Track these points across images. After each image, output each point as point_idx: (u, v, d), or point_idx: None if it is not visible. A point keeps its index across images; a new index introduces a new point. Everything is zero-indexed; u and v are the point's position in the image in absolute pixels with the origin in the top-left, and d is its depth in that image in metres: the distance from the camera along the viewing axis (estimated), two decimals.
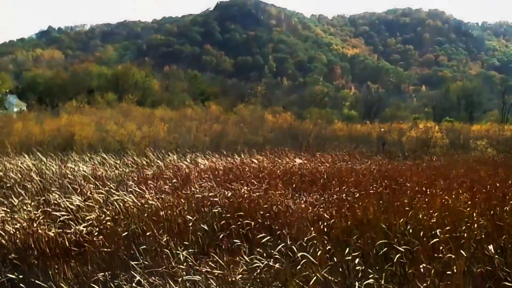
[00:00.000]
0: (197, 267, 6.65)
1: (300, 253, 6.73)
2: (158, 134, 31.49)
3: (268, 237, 7.58)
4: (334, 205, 9.52)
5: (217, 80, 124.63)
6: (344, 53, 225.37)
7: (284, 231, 7.81)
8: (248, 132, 35.76)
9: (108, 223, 8.44)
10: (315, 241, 7.03)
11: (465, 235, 7.09)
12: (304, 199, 10.76)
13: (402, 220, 7.88)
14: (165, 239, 7.62)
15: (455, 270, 5.98)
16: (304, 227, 7.92)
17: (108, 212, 9.16)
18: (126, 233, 8.09)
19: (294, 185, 12.75)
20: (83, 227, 8.20)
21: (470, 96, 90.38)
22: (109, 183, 12.34)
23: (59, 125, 30.33)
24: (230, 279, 6.17)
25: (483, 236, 7.08)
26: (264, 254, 6.77)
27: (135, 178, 13.48)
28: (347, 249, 6.62)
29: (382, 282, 5.89)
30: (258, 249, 7.08)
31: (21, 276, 6.71)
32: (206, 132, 34.16)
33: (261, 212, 9.01)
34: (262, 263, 6.38)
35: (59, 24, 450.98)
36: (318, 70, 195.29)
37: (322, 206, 9.73)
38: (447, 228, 7.41)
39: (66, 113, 36.44)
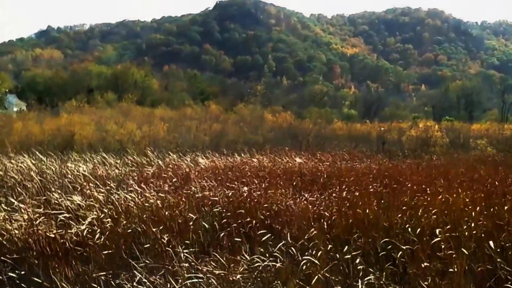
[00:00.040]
0: (198, 266, 6.65)
1: (301, 252, 6.75)
2: (158, 133, 31.48)
3: (269, 236, 7.60)
4: (334, 204, 9.52)
5: (217, 79, 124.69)
6: (343, 52, 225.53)
7: (284, 230, 7.82)
8: (248, 132, 35.76)
9: (109, 222, 8.45)
10: (316, 240, 7.04)
11: (466, 233, 7.10)
12: (304, 198, 10.76)
13: (402, 218, 7.89)
14: (165, 238, 7.63)
15: (455, 269, 5.99)
16: (304, 226, 7.92)
17: (108, 212, 9.16)
18: (127, 232, 8.10)
19: (294, 184, 12.75)
20: (84, 226, 8.20)
21: (470, 95, 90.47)
22: (109, 183, 12.35)
23: (59, 125, 30.32)
24: (231, 278, 6.18)
25: (483, 235, 7.09)
26: (266, 254, 6.77)
27: (136, 178, 13.49)
28: (348, 248, 6.63)
29: (383, 281, 5.90)
30: (259, 248, 7.09)
31: (22, 274, 6.72)
32: (206, 131, 34.15)
33: (262, 211, 9.02)
34: (263, 262, 6.39)
35: (58, 23, 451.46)
36: (318, 70, 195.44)
37: (322, 205, 9.73)
38: (448, 227, 7.42)
39: (66, 113, 36.42)
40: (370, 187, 11.90)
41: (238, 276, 6.24)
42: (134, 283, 6.17)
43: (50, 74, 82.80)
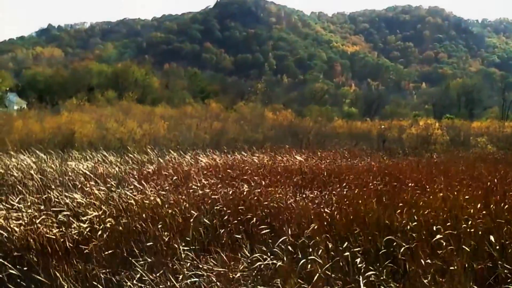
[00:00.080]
0: (198, 264, 6.66)
1: (301, 250, 6.76)
2: (158, 132, 31.50)
3: (269, 234, 7.61)
4: (334, 202, 9.52)
5: (217, 77, 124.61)
6: (344, 50, 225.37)
7: (284, 228, 7.82)
8: (248, 130, 35.78)
9: (109, 220, 8.45)
10: (316, 238, 7.04)
11: (468, 230, 7.10)
12: (304, 196, 10.76)
13: (402, 216, 7.89)
14: (166, 236, 7.64)
15: (455, 267, 6.00)
16: (304, 224, 7.92)
17: (109, 210, 9.17)
18: (127, 230, 8.11)
19: (294, 182, 12.75)
20: (85, 224, 8.21)
21: (470, 93, 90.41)
22: (110, 180, 12.36)
23: (60, 123, 30.35)
24: (231, 276, 6.18)
25: (480, 233, 7.09)
26: (266, 251, 6.78)
27: (136, 176, 13.49)
28: (348, 246, 6.63)
29: (383, 279, 5.90)
30: (259, 246, 7.09)
31: (23, 272, 6.73)
32: (206, 129, 34.17)
33: (262, 209, 9.02)
34: (263, 260, 6.40)
35: (59, 22, 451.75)
36: (318, 68, 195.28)
37: (322, 203, 9.73)
38: (448, 224, 7.42)
39: (67, 111, 36.44)
40: (371, 185, 11.90)
41: (238, 274, 6.25)
42: (135, 281, 6.18)
43: (50, 72, 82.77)
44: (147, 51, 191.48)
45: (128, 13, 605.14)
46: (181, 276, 6.19)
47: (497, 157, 23.73)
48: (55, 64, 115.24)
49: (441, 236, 6.82)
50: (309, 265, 6.14)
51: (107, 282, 6.50)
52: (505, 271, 6.02)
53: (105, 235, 7.85)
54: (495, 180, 12.52)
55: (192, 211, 8.71)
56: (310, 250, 6.70)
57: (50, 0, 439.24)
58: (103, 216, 8.72)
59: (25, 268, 6.89)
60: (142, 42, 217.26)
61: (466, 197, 9.20)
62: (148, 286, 6.07)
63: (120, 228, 8.20)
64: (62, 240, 7.70)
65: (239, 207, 9.06)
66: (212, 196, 9.93)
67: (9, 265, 6.85)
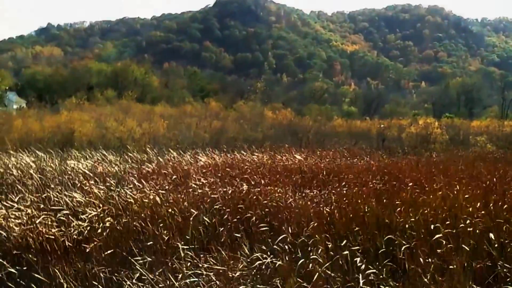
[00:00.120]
0: (197, 263, 6.66)
1: (301, 249, 6.76)
2: (158, 130, 31.49)
3: (269, 233, 7.61)
4: (334, 201, 9.52)
5: (217, 76, 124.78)
6: (343, 49, 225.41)
7: (284, 227, 7.83)
8: (248, 129, 35.79)
9: (109, 219, 8.45)
10: (316, 236, 7.04)
11: (467, 229, 7.10)
12: (304, 195, 10.77)
13: (401, 215, 7.89)
14: (165, 235, 7.64)
15: (455, 266, 6.00)
16: (304, 223, 7.93)
17: (108, 209, 9.16)
18: (126, 229, 8.10)
19: (294, 181, 12.75)
20: (84, 223, 8.20)
21: (470, 92, 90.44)
22: (109, 180, 12.35)
23: (59, 122, 30.35)
24: (230, 275, 6.18)
25: (482, 232, 7.09)
26: (265, 250, 6.78)
27: (135, 175, 13.48)
28: (348, 245, 6.64)
29: (383, 277, 5.90)
30: (258, 245, 7.09)
31: (22, 271, 6.73)
32: (206, 128, 34.16)
33: (261, 208, 9.02)
34: (263, 259, 6.40)
35: (58, 21, 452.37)
36: (318, 67, 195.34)
37: (322, 202, 9.74)
38: (447, 223, 7.43)
39: (66, 110, 36.45)
40: (370, 184, 11.90)
41: (238, 273, 6.25)
42: (134, 280, 6.18)
43: (50, 71, 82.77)
44: (146, 50, 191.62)
45: (128, 12, 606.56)
46: (180, 275, 6.18)
47: (496, 156, 23.72)
48: (55, 63, 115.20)
49: (440, 235, 6.82)
50: (310, 264, 6.14)
51: (107, 281, 6.50)
52: (504, 270, 6.03)
53: (104, 233, 7.86)
54: (495, 179, 12.52)
55: (191, 210, 8.70)
56: (310, 249, 6.70)
57: None
58: (102, 215, 8.72)
59: (24, 267, 6.88)
60: (141, 41, 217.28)
61: (466, 196, 9.20)
62: (147, 285, 6.07)
63: (120, 227, 8.20)
64: (61, 239, 7.70)
65: (239, 206, 9.06)
66: (212, 195, 9.93)
67: (9, 264, 6.85)
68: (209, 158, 18.57)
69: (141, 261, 6.63)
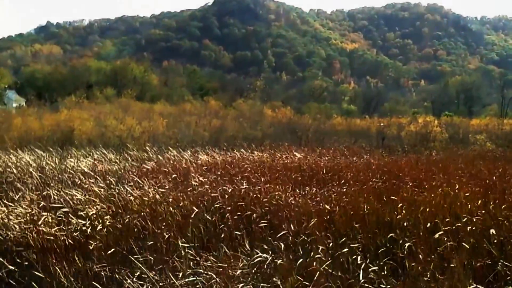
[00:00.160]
0: (198, 262, 6.66)
1: (301, 247, 6.76)
2: (158, 129, 31.51)
3: (269, 231, 7.61)
4: (333, 199, 9.52)
5: (216, 75, 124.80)
6: (343, 47, 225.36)
7: (284, 225, 7.83)
8: (247, 127, 35.81)
9: (109, 218, 8.45)
10: (316, 232, 7.05)
11: (468, 227, 7.11)
12: (304, 193, 10.77)
13: (401, 213, 7.90)
14: (165, 233, 7.63)
15: (455, 264, 6.01)
16: (304, 221, 7.93)
17: (108, 207, 9.17)
18: (126, 227, 8.10)
19: (294, 180, 12.75)
20: (84, 222, 8.20)
21: (469, 91, 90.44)
22: (109, 178, 12.34)
23: (58, 120, 30.37)
24: (231, 273, 6.18)
25: (479, 230, 7.10)
26: (266, 248, 6.78)
27: (135, 173, 13.48)
28: (348, 243, 6.64)
29: (383, 275, 5.91)
30: (258, 244, 7.09)
31: (22, 269, 6.73)
32: (205, 127, 34.18)
33: (261, 206, 9.02)
34: (263, 257, 6.40)
35: (58, 19, 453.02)
36: (317, 65, 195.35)
37: (322, 200, 9.74)
38: (447, 220, 7.44)
39: (65, 108, 36.47)
40: (370, 182, 11.91)
41: (238, 271, 6.25)
42: (134, 279, 6.18)
43: (49, 69, 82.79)
44: (145, 48, 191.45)
45: (127, 10, 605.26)
46: (180, 274, 6.18)
47: (496, 154, 23.73)
48: (54, 61, 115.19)
49: (441, 232, 6.83)
50: (310, 263, 6.14)
51: (107, 280, 6.50)
52: (505, 268, 6.03)
53: (104, 230, 7.86)
54: (494, 178, 12.54)
55: (192, 208, 8.70)
56: (310, 247, 6.71)
57: None
58: (100, 213, 8.72)
59: (24, 266, 6.89)
60: (140, 39, 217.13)
61: (466, 194, 9.21)
62: (148, 284, 6.07)
63: (120, 225, 8.20)
64: (62, 237, 7.70)
65: (239, 204, 9.06)
66: (212, 194, 9.93)
67: (9, 263, 6.85)
68: (209, 156, 18.57)
69: (141, 260, 6.62)
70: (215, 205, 9.09)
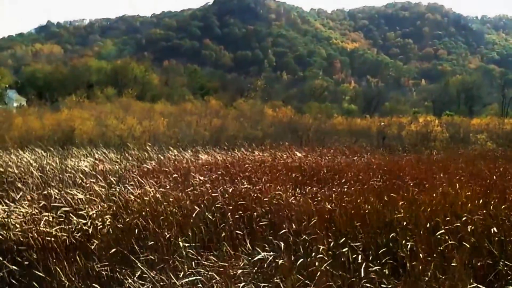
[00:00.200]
0: (198, 261, 6.66)
1: (302, 247, 6.76)
2: (158, 128, 31.52)
3: (270, 230, 7.61)
4: (334, 199, 9.52)
5: (217, 74, 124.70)
6: (343, 47, 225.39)
7: (285, 224, 7.83)
8: (248, 127, 35.81)
9: (110, 217, 8.45)
10: (317, 231, 7.05)
11: (468, 227, 7.11)
12: (304, 192, 10.77)
13: (402, 213, 7.90)
14: (166, 233, 7.64)
15: (455, 263, 6.00)
16: (305, 220, 7.93)
17: (109, 207, 9.17)
18: (127, 227, 8.11)
19: (294, 179, 12.75)
20: (85, 221, 8.21)
21: (470, 90, 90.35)
22: (109, 177, 12.35)
23: (59, 120, 30.39)
24: (231, 273, 6.18)
25: (480, 230, 7.10)
26: (266, 248, 6.78)
27: (136, 172, 13.48)
28: (349, 243, 6.64)
29: (384, 275, 5.91)
30: (259, 243, 7.09)
31: (23, 269, 6.74)
32: (206, 126, 34.18)
33: (262, 205, 9.02)
34: (263, 257, 6.40)
35: (58, 19, 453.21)
36: (318, 64, 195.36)
37: (322, 199, 9.73)
38: (447, 219, 7.44)
39: (66, 108, 36.50)
40: (371, 181, 11.90)
41: (239, 271, 6.25)
42: (135, 278, 6.18)
43: (50, 69, 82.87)
44: (146, 48, 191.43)
45: (127, 9, 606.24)
46: (181, 273, 6.19)
47: (496, 154, 23.71)
48: (54, 61, 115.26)
49: (441, 232, 6.83)
50: (311, 262, 6.14)
51: (108, 279, 6.50)
52: (505, 268, 6.03)
53: (105, 230, 7.86)
54: (495, 177, 12.52)
55: (192, 208, 8.71)
56: (311, 246, 6.71)
57: None
58: (101, 212, 8.72)
59: (25, 265, 6.89)
60: (141, 39, 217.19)
61: (467, 193, 9.21)
62: (149, 283, 6.07)
63: (121, 225, 8.20)
64: (62, 237, 7.70)
65: (240, 204, 9.07)
66: (213, 193, 9.93)
67: (10, 262, 6.86)
68: (209, 156, 18.57)
69: (142, 259, 6.63)
70: (216, 205, 9.09)
